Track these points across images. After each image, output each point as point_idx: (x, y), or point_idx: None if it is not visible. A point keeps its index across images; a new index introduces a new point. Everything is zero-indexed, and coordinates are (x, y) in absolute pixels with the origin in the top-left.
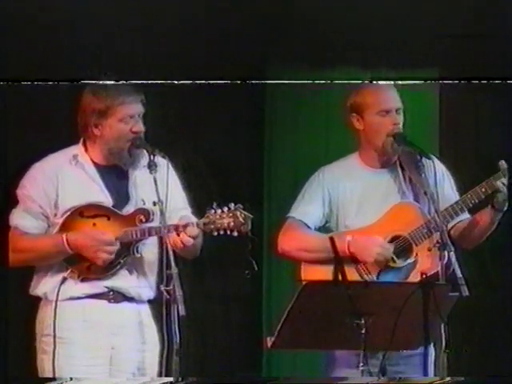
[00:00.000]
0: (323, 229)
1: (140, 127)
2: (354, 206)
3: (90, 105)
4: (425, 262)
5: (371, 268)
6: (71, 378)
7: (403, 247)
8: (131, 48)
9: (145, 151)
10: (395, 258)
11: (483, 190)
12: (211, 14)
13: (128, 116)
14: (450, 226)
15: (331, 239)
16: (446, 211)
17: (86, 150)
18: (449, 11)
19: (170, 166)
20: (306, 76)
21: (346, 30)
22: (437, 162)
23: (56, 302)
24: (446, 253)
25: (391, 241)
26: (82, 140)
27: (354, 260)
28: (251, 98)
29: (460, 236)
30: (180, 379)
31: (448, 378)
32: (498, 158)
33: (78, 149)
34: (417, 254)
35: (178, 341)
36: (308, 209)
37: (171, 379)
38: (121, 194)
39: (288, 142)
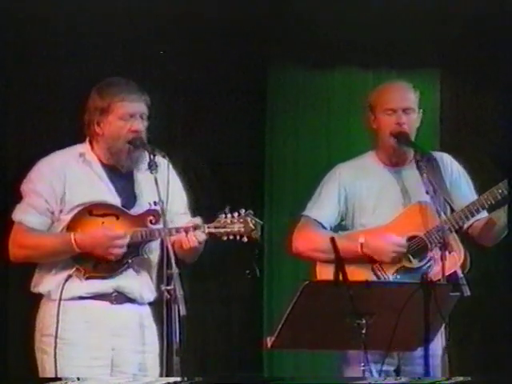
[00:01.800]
0: (339, 227)
1: (139, 126)
2: (371, 204)
3: (94, 102)
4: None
5: (387, 268)
6: (78, 378)
7: (419, 248)
8: (131, 48)
9: (145, 152)
10: (411, 258)
11: (500, 191)
12: (211, 15)
13: (128, 114)
14: (468, 224)
15: (332, 240)
16: (462, 212)
17: (92, 148)
18: (449, 11)
19: (170, 166)
20: (306, 76)
21: (346, 30)
22: (453, 161)
23: (60, 301)
24: (447, 253)
25: (407, 241)
26: (87, 139)
27: (368, 260)
28: (252, 98)
29: (478, 234)
30: (185, 379)
31: (460, 378)
32: (499, 157)
33: (84, 147)
34: (432, 256)
35: (178, 341)
36: (323, 208)
37: (178, 379)
38: (128, 195)
39: (289, 143)
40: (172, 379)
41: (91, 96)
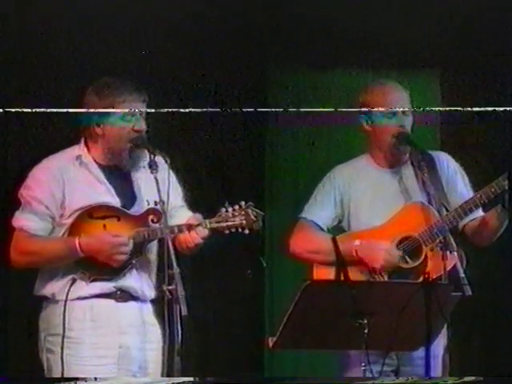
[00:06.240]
0: (336, 229)
1: (142, 125)
2: (366, 205)
3: (92, 104)
4: (435, 263)
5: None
6: (95, 378)
7: (413, 248)
8: (132, 48)
9: (146, 151)
10: (406, 258)
11: (493, 189)
12: (211, 15)
13: (129, 114)
14: (462, 223)
15: (333, 240)
16: (456, 211)
17: (89, 150)
18: (449, 11)
19: (169, 165)
20: (305, 76)
21: (346, 30)
22: (449, 159)
23: (66, 302)
24: (448, 253)
25: (401, 241)
26: (83, 140)
27: (362, 264)
28: (252, 98)
29: (473, 234)
30: (186, 379)
31: (460, 378)
32: (498, 156)
33: (80, 149)
34: (426, 255)
35: (179, 341)
36: (320, 210)
37: (179, 379)
38: (127, 195)
39: (289, 142)
40: (173, 379)
41: (88, 97)
